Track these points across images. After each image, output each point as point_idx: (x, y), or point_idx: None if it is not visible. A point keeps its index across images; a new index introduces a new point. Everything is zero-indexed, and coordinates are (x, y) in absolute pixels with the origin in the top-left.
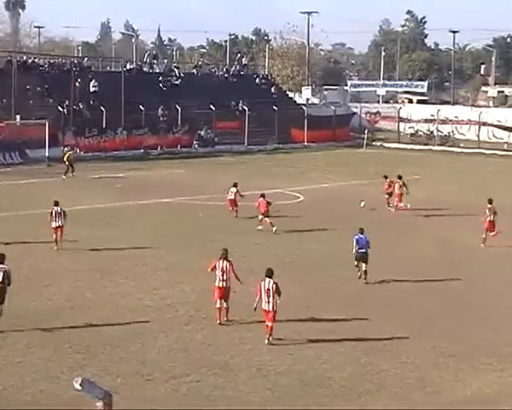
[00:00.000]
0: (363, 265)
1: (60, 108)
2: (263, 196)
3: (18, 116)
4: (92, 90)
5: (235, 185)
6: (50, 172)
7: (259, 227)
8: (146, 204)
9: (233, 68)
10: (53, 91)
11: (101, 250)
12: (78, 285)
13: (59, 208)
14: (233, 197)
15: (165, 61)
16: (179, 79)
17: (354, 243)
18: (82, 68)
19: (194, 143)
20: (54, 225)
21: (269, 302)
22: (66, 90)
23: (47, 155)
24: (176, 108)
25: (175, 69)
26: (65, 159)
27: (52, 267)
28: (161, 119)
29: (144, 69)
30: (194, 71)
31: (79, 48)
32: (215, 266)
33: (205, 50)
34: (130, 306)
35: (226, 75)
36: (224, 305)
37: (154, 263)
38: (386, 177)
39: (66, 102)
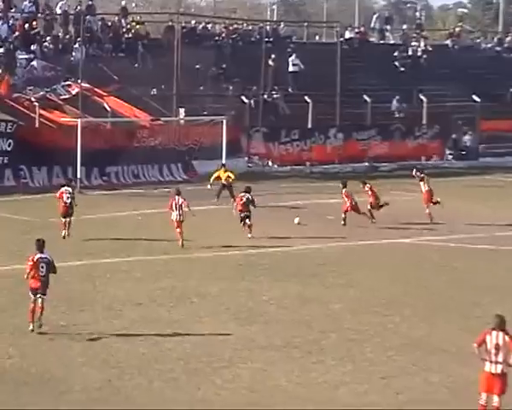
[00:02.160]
0: None
1: (244, 98)
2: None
3: (182, 110)
4: (292, 70)
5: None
6: (228, 196)
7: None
8: (371, 246)
9: (509, 38)
10: (233, 73)
11: (302, 315)
12: (268, 368)
13: (180, 199)
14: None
15: (404, 26)
16: (425, 54)
17: None
18: (277, 39)
19: (447, 153)
20: (174, 218)
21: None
22: (254, 71)
23: None
24: (419, 98)
25: (419, 39)
26: (223, 179)
27: (229, 340)
28: (396, 115)
29: (371, 39)
30: (449, 42)
31: (273, 7)
32: (483, 341)
33: (465, 11)
34: (345, 401)
35: (498, 48)
36: (495, 402)
37: (382, 337)
38: (364, 182)
39: (254, 90)
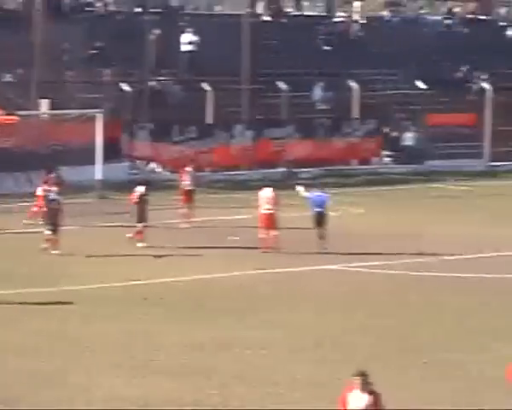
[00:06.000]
0: None
1: (124, 86)
2: None
3: (44, 102)
4: (186, 49)
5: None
6: (110, 211)
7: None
8: (299, 273)
9: (459, 9)
10: (111, 55)
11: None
12: None
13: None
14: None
15: None
16: (358, 30)
17: None
18: (166, 9)
19: (383, 154)
20: None
21: None
22: (137, 51)
23: (99, 177)
24: (349, 85)
25: (348, 11)
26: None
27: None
28: (320, 107)
29: (287, 10)
30: (386, 13)
31: None
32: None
33: None
34: None
35: (448, 21)
36: None
37: None
38: None
39: (136, 75)
